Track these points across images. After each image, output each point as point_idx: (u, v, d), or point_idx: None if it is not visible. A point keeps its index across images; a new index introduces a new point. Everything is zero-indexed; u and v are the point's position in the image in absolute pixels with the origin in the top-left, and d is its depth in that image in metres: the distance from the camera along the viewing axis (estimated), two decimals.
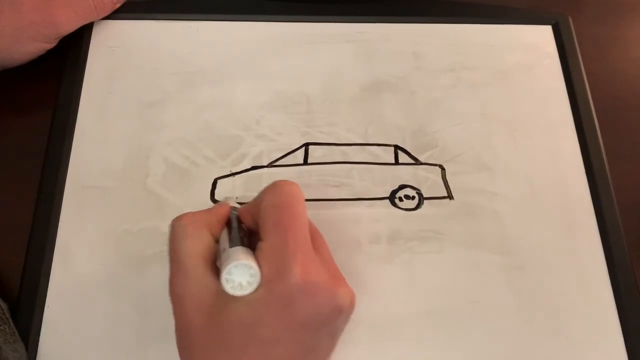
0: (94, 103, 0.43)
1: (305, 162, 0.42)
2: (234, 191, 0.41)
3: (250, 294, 0.27)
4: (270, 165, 0.42)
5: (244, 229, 0.32)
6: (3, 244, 0.39)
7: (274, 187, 0.31)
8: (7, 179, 0.41)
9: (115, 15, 0.46)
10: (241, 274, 0.27)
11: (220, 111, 0.44)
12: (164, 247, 0.38)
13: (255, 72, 0.46)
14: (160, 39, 0.47)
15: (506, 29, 0.49)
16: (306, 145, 0.43)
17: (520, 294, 0.39)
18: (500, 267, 0.39)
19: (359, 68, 0.46)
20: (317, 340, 0.29)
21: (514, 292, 0.39)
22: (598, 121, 0.45)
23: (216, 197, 0.41)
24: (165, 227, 0.39)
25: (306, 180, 0.42)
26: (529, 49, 0.48)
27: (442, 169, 0.43)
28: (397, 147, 0.43)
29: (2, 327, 0.34)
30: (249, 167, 0.42)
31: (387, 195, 0.41)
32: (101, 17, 0.45)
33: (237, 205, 0.34)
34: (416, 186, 0.42)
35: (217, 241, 0.31)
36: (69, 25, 0.43)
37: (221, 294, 0.28)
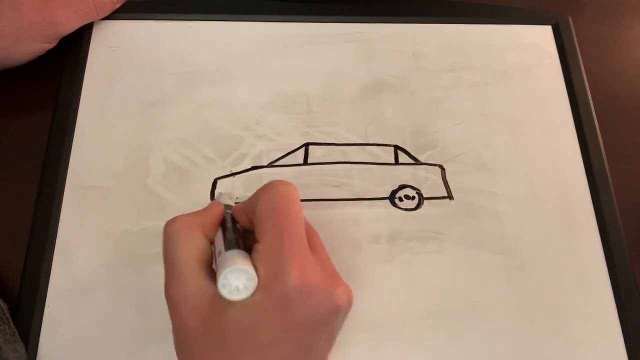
0: (94, 103, 0.43)
1: (305, 162, 0.42)
2: (234, 191, 0.41)
3: (248, 297, 0.27)
4: (270, 165, 0.42)
5: (239, 228, 0.32)
6: (3, 244, 0.39)
7: (270, 187, 0.30)
8: (7, 179, 0.41)
9: (115, 15, 0.46)
10: (238, 278, 0.27)
11: (220, 111, 0.44)
12: None
13: (255, 72, 0.46)
14: (160, 39, 0.47)
15: (506, 29, 0.49)
16: (306, 145, 0.43)
17: (520, 294, 0.39)
18: (500, 267, 0.39)
19: (359, 68, 0.46)
20: (315, 341, 0.29)
21: (514, 292, 0.39)
22: (598, 121, 0.45)
23: (216, 198, 0.41)
24: None
25: (306, 180, 0.42)
26: (529, 49, 0.48)
27: (442, 169, 0.43)
28: (397, 147, 0.43)
29: (2, 327, 0.34)
30: (249, 167, 0.42)
31: (387, 195, 0.41)
32: (101, 17, 0.45)
33: (231, 203, 0.34)
34: (416, 186, 0.42)
35: (212, 242, 0.31)
36: (69, 25, 0.43)
37: (218, 297, 0.27)
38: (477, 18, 0.49)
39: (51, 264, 0.38)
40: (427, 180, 0.42)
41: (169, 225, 0.30)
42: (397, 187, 0.42)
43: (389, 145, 0.43)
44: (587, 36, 0.49)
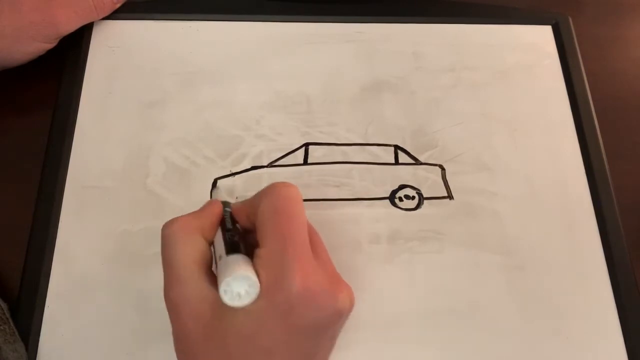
0: (94, 103, 0.43)
1: (305, 162, 0.42)
2: (234, 191, 0.41)
3: (250, 304, 0.27)
4: (270, 165, 0.42)
5: (239, 229, 0.31)
6: (3, 244, 0.39)
7: (272, 190, 0.30)
8: (7, 179, 0.41)
9: (115, 15, 0.46)
10: (240, 285, 0.27)
11: (220, 111, 0.44)
12: None
13: (255, 72, 0.46)
14: (160, 39, 0.47)
15: (506, 29, 0.49)
16: (306, 145, 0.43)
17: (520, 294, 0.39)
18: (500, 267, 0.39)
19: (359, 68, 0.46)
20: (317, 345, 0.29)
21: (514, 292, 0.39)
22: (598, 121, 0.45)
23: (212, 193, 0.40)
24: None
25: (306, 180, 0.42)
26: (529, 49, 0.48)
27: (442, 169, 0.43)
28: (397, 147, 0.43)
29: (2, 327, 0.34)
30: (249, 167, 0.42)
31: (387, 195, 0.41)
32: (101, 17, 0.45)
33: (229, 199, 0.33)
34: (416, 186, 0.42)
35: (211, 243, 0.31)
36: (69, 25, 0.43)
37: (219, 302, 0.27)
38: (477, 18, 0.49)
39: (51, 264, 0.38)
40: (427, 180, 0.42)
41: (167, 227, 0.30)
42: (397, 187, 0.42)
43: (389, 145, 0.43)
44: (587, 36, 0.49)
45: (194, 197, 0.40)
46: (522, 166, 0.43)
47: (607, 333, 0.38)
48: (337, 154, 0.43)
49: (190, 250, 0.29)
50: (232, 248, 0.29)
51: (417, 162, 0.43)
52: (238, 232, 0.31)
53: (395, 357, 0.37)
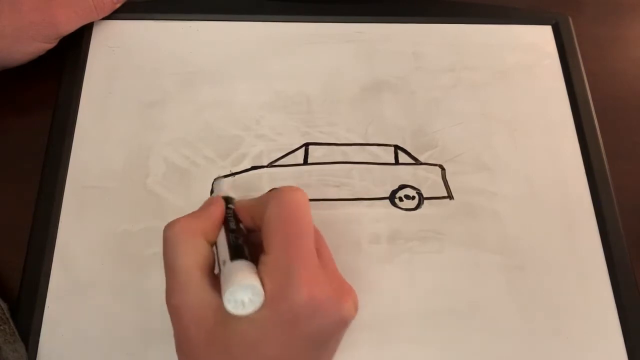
0: (94, 103, 0.43)
1: (305, 162, 0.42)
2: (234, 191, 0.41)
3: (254, 312, 0.27)
4: (270, 165, 0.42)
5: (242, 229, 0.31)
6: (3, 244, 0.39)
7: (280, 195, 0.29)
8: (7, 179, 0.41)
9: (115, 15, 0.46)
10: (244, 293, 0.26)
11: (220, 111, 0.44)
12: None
13: (255, 72, 0.46)
14: (160, 39, 0.47)
15: (506, 29, 0.49)
16: (306, 145, 0.43)
17: (520, 294, 0.39)
18: (500, 267, 0.39)
19: (359, 68, 0.46)
20: (321, 352, 0.29)
21: (514, 292, 0.39)
22: (598, 121, 0.45)
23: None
24: None
25: (306, 180, 0.42)
26: (529, 49, 0.48)
27: (442, 169, 0.43)
28: (397, 147, 0.43)
29: (2, 327, 0.34)
30: (249, 167, 0.42)
31: (387, 195, 0.41)
32: (101, 17, 0.45)
33: (232, 195, 0.33)
34: (416, 186, 0.42)
35: (214, 244, 0.30)
36: (69, 25, 0.43)
37: (222, 309, 0.27)
38: (477, 18, 0.49)
39: (51, 264, 0.38)
40: (427, 180, 0.42)
41: (169, 230, 0.29)
42: (397, 187, 0.42)
43: (389, 145, 0.43)
44: (587, 36, 0.49)
45: (194, 197, 0.40)
46: (522, 166, 0.43)
47: (607, 333, 0.38)
48: (337, 154, 0.43)
49: (193, 255, 0.29)
50: (236, 253, 0.28)
51: (417, 162, 0.43)
52: (241, 232, 0.30)
53: (395, 357, 0.37)
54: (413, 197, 0.41)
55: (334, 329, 0.28)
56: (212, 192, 0.41)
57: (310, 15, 0.48)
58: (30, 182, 0.40)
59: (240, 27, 0.47)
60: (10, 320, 0.35)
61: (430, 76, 0.46)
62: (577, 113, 0.45)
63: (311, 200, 0.40)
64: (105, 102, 0.44)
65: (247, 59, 0.46)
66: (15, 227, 0.39)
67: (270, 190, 0.32)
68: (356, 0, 0.49)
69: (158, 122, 0.43)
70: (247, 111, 0.44)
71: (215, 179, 0.37)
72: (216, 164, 0.42)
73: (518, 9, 0.50)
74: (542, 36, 0.49)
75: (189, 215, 0.30)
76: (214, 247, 0.30)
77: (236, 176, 0.41)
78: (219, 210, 0.31)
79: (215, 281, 0.28)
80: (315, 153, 0.43)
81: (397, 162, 0.43)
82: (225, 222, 0.31)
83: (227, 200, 0.32)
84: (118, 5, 0.46)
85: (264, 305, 0.27)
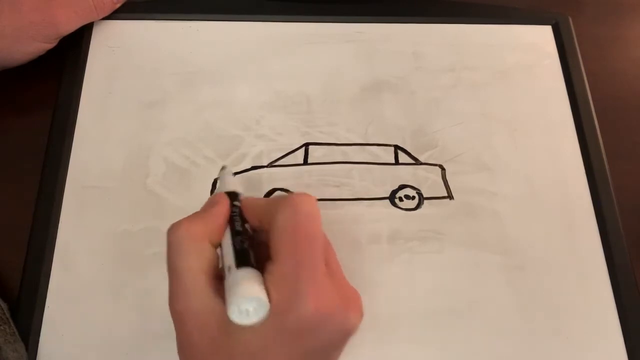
0: (94, 103, 0.43)
1: (305, 162, 0.42)
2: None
3: (258, 322, 0.26)
4: (270, 165, 0.42)
5: (248, 230, 0.30)
6: (3, 244, 0.39)
7: (292, 203, 0.28)
8: (7, 179, 0.41)
9: (115, 15, 0.46)
10: (249, 303, 0.26)
11: (220, 111, 0.44)
12: (164, 247, 0.38)
13: (255, 72, 0.46)
14: (160, 39, 0.47)
15: (506, 29, 0.49)
16: (306, 145, 0.43)
17: (520, 294, 0.39)
18: (500, 267, 0.39)
19: (359, 68, 0.46)
20: None
21: (514, 292, 0.39)
22: (598, 121, 0.45)
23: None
24: (165, 227, 0.39)
25: (306, 180, 0.42)
26: (529, 49, 0.48)
27: (442, 169, 0.43)
28: (397, 147, 0.43)
29: (2, 327, 0.34)
30: (249, 167, 0.42)
31: (387, 195, 0.41)
32: (101, 17, 0.45)
33: (238, 189, 0.32)
34: (416, 186, 0.42)
35: (219, 246, 0.30)
36: (69, 25, 0.43)
37: (226, 317, 0.26)
38: (477, 18, 0.49)
39: (51, 264, 0.38)
40: (427, 180, 0.42)
41: (172, 233, 0.29)
42: (397, 187, 0.42)
43: (389, 145, 0.43)
44: (587, 36, 0.49)
45: (194, 197, 0.40)
46: (522, 166, 0.43)
47: (607, 333, 0.38)
48: (337, 154, 0.43)
49: (197, 260, 0.28)
50: (241, 260, 0.28)
51: (417, 162, 0.43)
52: (247, 234, 0.29)
53: (395, 357, 0.37)
54: (413, 197, 0.41)
55: (338, 340, 0.28)
56: (212, 188, 0.41)
57: (310, 15, 0.48)
58: (30, 182, 0.40)
59: (240, 27, 0.47)
60: (10, 320, 0.35)
61: (430, 76, 0.46)
62: (577, 113, 0.45)
63: None
64: (105, 102, 0.44)
65: (247, 59, 0.46)
66: (15, 227, 0.39)
67: (275, 191, 0.31)
68: (356, 0, 0.49)
69: (158, 122, 0.43)
70: (247, 111, 0.44)
71: (221, 169, 0.35)
72: (216, 164, 0.42)
73: (518, 9, 0.50)
74: (542, 36, 0.49)
75: (193, 216, 0.30)
76: (219, 249, 0.30)
77: (236, 176, 0.41)
78: (224, 210, 0.30)
79: (219, 286, 0.28)
80: (315, 153, 0.43)
81: (397, 162, 0.43)
82: (231, 222, 0.30)
83: (233, 196, 0.31)
84: (118, 5, 0.46)
85: (269, 316, 0.26)
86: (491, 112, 0.45)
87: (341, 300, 0.27)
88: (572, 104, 0.46)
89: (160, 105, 0.44)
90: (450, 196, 0.42)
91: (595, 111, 0.45)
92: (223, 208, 0.30)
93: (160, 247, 0.38)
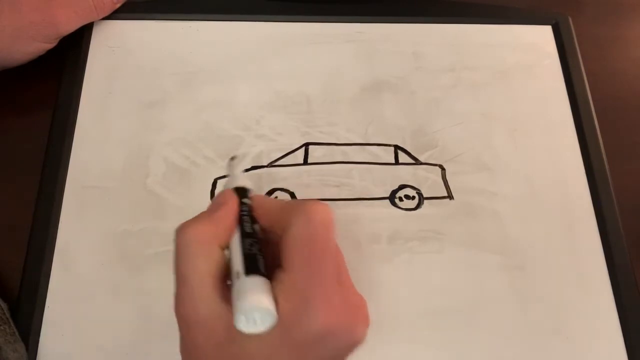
0: (94, 103, 0.43)
1: (305, 162, 0.42)
2: None
3: (264, 331, 0.26)
4: (270, 165, 0.42)
5: (258, 231, 0.29)
6: (3, 244, 0.39)
7: (308, 212, 0.27)
8: (7, 179, 0.41)
9: (115, 15, 0.46)
10: (256, 312, 0.25)
11: (220, 111, 0.44)
12: (164, 247, 0.38)
13: (255, 72, 0.46)
14: (160, 39, 0.47)
15: (506, 29, 0.49)
16: (306, 145, 0.43)
17: (520, 294, 0.39)
18: (500, 267, 0.39)
19: (359, 68, 0.46)
20: None
21: (514, 292, 0.39)
22: (598, 121, 0.45)
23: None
24: (165, 227, 0.39)
25: (306, 180, 0.42)
26: (529, 49, 0.48)
27: (442, 169, 0.43)
28: (397, 147, 0.43)
29: (2, 327, 0.34)
30: (249, 167, 0.42)
31: (387, 195, 0.41)
32: (101, 17, 0.45)
33: (248, 185, 0.30)
34: (416, 186, 0.42)
35: (227, 247, 0.29)
36: (69, 25, 0.43)
37: (232, 324, 0.26)
38: (477, 18, 0.49)
39: (51, 264, 0.38)
40: (427, 180, 0.42)
41: (181, 235, 0.28)
42: (397, 187, 0.42)
43: (389, 145, 0.43)
44: (587, 36, 0.49)
45: (194, 197, 0.40)
46: (522, 166, 0.43)
47: (607, 333, 0.38)
48: (337, 154, 0.43)
49: (205, 264, 0.27)
50: (250, 266, 0.27)
51: (417, 162, 0.43)
52: (257, 236, 0.28)
53: (395, 357, 0.37)
54: (413, 197, 0.41)
55: (344, 352, 0.27)
56: (212, 196, 0.41)
57: (310, 15, 0.48)
58: (30, 182, 0.40)
59: (240, 27, 0.47)
60: (11, 320, 0.35)
61: (430, 76, 0.46)
62: (577, 113, 0.45)
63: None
64: (105, 102, 0.44)
65: (247, 59, 0.46)
66: (15, 227, 0.39)
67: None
68: (356, 0, 0.49)
69: (158, 122, 0.43)
70: (247, 111, 0.44)
71: (230, 159, 0.33)
72: (216, 164, 0.42)
73: (518, 9, 0.50)
74: (542, 36, 0.49)
75: (201, 217, 0.29)
76: (228, 251, 0.29)
77: None
78: (233, 210, 0.29)
79: (227, 291, 0.27)
80: (315, 153, 0.43)
81: (397, 162, 0.43)
82: (240, 221, 0.29)
83: (242, 192, 0.30)
84: (118, 5, 0.46)
85: (276, 326, 0.26)
86: (491, 112, 0.45)
87: (349, 313, 0.27)
88: (572, 104, 0.46)
89: (160, 105, 0.44)
90: (450, 196, 0.42)
91: (595, 111, 0.45)
92: (232, 208, 0.29)
93: (160, 247, 0.39)
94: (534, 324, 0.38)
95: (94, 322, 0.36)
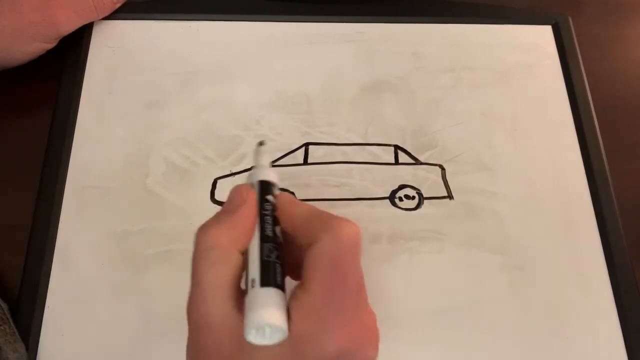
0: (94, 103, 0.43)
1: (305, 162, 0.42)
2: None
3: (274, 344, 0.25)
4: (270, 165, 0.42)
5: (279, 235, 0.28)
6: (3, 244, 0.39)
7: (335, 229, 0.26)
8: (7, 179, 0.41)
9: (115, 15, 0.46)
10: (267, 327, 0.25)
11: (220, 111, 0.44)
12: (164, 247, 0.38)
13: (255, 72, 0.46)
14: (160, 39, 0.47)
15: (506, 29, 0.49)
16: (306, 145, 0.43)
17: (520, 294, 0.39)
18: (500, 267, 0.39)
19: (359, 68, 0.46)
20: None
21: (514, 291, 0.39)
22: (598, 121, 0.45)
23: (216, 198, 0.40)
24: (165, 227, 0.39)
25: (306, 180, 0.42)
26: (529, 49, 0.48)
27: (442, 169, 0.43)
28: (397, 147, 0.43)
29: (2, 327, 0.34)
30: (249, 167, 0.42)
31: (387, 195, 0.41)
32: (101, 17, 0.45)
33: (274, 180, 0.29)
34: (416, 186, 0.42)
35: (245, 251, 0.28)
36: (69, 25, 0.43)
37: (242, 333, 0.26)
38: (477, 18, 0.49)
39: (51, 264, 0.38)
40: (427, 180, 0.42)
41: (202, 238, 0.27)
42: (397, 187, 0.42)
43: (389, 145, 0.43)
44: (587, 36, 0.49)
45: (194, 197, 0.40)
46: (522, 166, 0.43)
47: (607, 333, 0.38)
48: (337, 154, 0.43)
49: (222, 270, 0.27)
50: (267, 276, 0.26)
51: (417, 162, 0.43)
52: (277, 240, 0.27)
53: (396, 357, 0.37)
54: (413, 197, 0.41)
55: None
56: (212, 196, 0.41)
57: (310, 15, 0.48)
58: (30, 182, 0.40)
59: (240, 27, 0.47)
60: (11, 320, 0.35)
61: (430, 76, 0.46)
62: (577, 113, 0.45)
63: (311, 200, 0.41)
64: (105, 102, 0.44)
65: (247, 59, 0.46)
66: (15, 227, 0.39)
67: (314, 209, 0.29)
68: (356, 0, 0.49)
69: (158, 122, 0.43)
70: (247, 111, 0.44)
71: (258, 144, 0.31)
72: (216, 164, 0.42)
73: (518, 9, 0.50)
74: (542, 36, 0.49)
75: (222, 221, 0.28)
76: (246, 256, 0.28)
77: (236, 176, 0.41)
78: (252, 214, 0.28)
79: (240, 298, 0.27)
80: (315, 153, 0.43)
81: (397, 162, 0.43)
82: (261, 223, 0.27)
83: (267, 187, 0.28)
84: (118, 5, 0.46)
85: (288, 341, 0.25)
86: (491, 112, 0.45)
87: (363, 334, 0.27)
88: (572, 104, 0.46)
89: (160, 105, 0.44)
90: (450, 196, 0.42)
91: (595, 111, 0.45)
92: (251, 210, 0.28)
93: (160, 247, 0.39)
94: (534, 324, 0.38)
95: (94, 322, 0.36)
